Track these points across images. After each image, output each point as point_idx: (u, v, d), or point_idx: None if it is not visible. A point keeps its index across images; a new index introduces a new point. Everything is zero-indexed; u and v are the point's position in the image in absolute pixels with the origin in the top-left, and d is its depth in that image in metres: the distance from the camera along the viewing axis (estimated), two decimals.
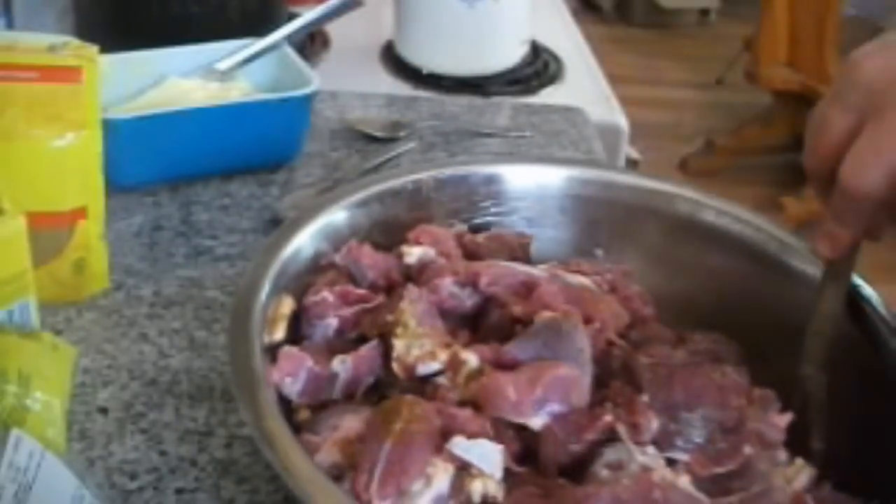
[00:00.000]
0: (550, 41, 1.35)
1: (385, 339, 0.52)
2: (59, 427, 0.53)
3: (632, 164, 1.30)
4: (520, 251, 0.62)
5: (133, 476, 0.54)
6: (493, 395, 0.47)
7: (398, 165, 0.87)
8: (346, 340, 0.54)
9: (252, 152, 0.83)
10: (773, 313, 0.58)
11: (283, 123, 0.83)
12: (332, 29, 1.28)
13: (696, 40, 3.68)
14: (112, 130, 0.67)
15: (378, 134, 0.92)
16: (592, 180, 0.65)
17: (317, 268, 0.57)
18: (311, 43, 1.26)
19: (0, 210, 0.57)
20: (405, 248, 0.58)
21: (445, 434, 0.45)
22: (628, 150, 1.22)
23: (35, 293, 0.59)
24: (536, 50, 1.31)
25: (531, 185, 0.65)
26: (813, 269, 0.57)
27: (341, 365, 0.50)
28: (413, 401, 0.47)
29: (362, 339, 0.53)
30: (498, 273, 0.55)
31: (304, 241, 0.56)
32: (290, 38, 0.88)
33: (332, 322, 0.54)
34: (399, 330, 0.51)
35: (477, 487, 0.44)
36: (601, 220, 0.64)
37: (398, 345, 0.50)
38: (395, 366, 0.50)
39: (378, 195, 0.61)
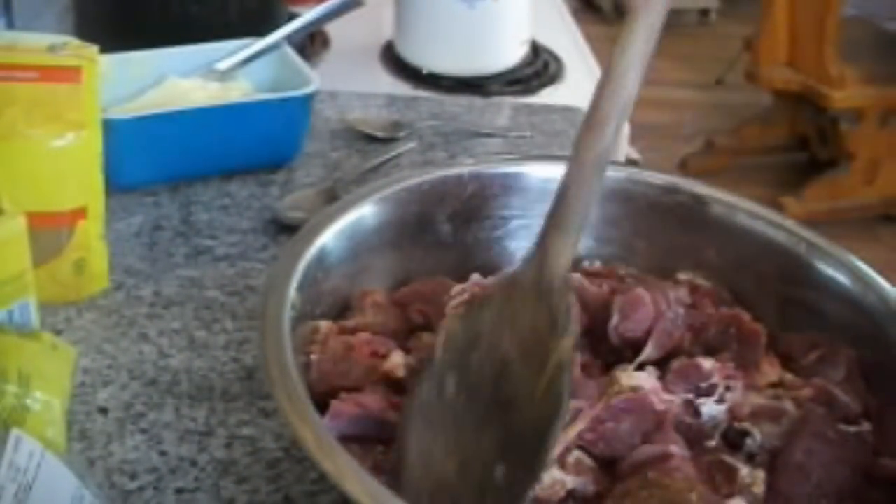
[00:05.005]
0: (550, 41, 1.35)
1: None
2: (59, 427, 0.53)
3: (631, 165, 1.30)
4: None
5: (133, 476, 0.54)
6: None
7: (398, 165, 0.87)
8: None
9: (252, 152, 0.83)
10: None
11: (283, 123, 0.83)
12: (332, 29, 1.28)
13: (696, 40, 3.68)
14: (112, 130, 0.67)
15: (378, 134, 0.92)
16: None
17: None
18: (311, 43, 1.26)
19: (0, 210, 0.57)
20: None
21: None
22: (628, 150, 1.22)
23: (35, 293, 0.59)
24: (536, 50, 1.31)
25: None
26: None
27: None
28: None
29: None
30: None
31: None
32: (290, 38, 0.88)
33: None
34: None
35: None
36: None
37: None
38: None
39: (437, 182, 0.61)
